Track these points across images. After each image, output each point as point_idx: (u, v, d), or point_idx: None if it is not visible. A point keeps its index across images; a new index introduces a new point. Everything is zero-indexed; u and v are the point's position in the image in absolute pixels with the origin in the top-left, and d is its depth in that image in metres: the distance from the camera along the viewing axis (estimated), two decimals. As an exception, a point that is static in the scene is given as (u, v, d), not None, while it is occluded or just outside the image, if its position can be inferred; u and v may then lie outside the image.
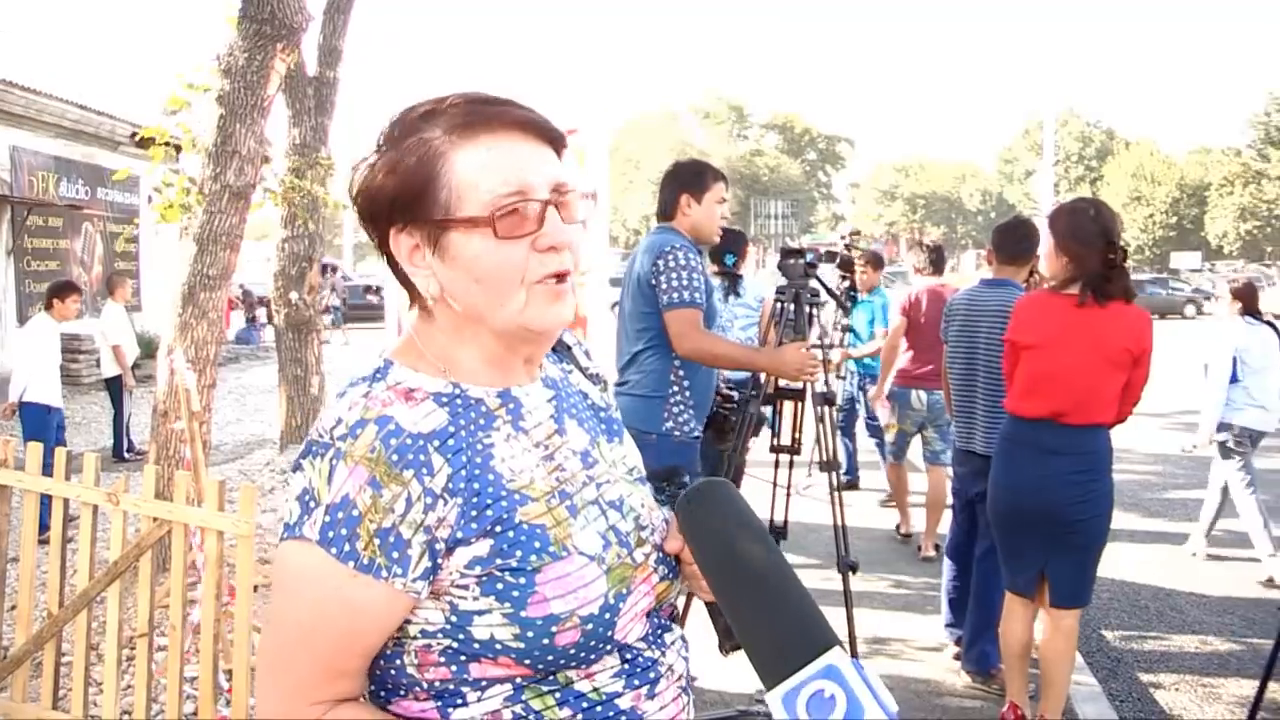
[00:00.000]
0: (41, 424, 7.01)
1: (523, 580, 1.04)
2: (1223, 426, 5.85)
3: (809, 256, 3.79)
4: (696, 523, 1.00)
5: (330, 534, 1.02)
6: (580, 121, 5.97)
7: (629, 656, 1.12)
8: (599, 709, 1.09)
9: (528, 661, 1.05)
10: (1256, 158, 57.26)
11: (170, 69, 5.43)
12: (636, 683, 1.12)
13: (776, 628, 0.88)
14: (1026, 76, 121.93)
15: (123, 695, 3.55)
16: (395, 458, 1.02)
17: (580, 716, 1.08)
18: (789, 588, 0.90)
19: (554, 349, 1.31)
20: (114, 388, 9.34)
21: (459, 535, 1.04)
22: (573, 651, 1.06)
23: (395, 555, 1.02)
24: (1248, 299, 5.96)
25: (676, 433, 3.64)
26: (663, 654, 1.16)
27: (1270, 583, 5.68)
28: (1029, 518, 3.44)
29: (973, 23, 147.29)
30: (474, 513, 1.05)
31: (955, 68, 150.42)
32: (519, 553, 1.05)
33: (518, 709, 1.07)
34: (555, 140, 1.14)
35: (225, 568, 3.17)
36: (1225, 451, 5.88)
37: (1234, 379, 5.80)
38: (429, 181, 1.08)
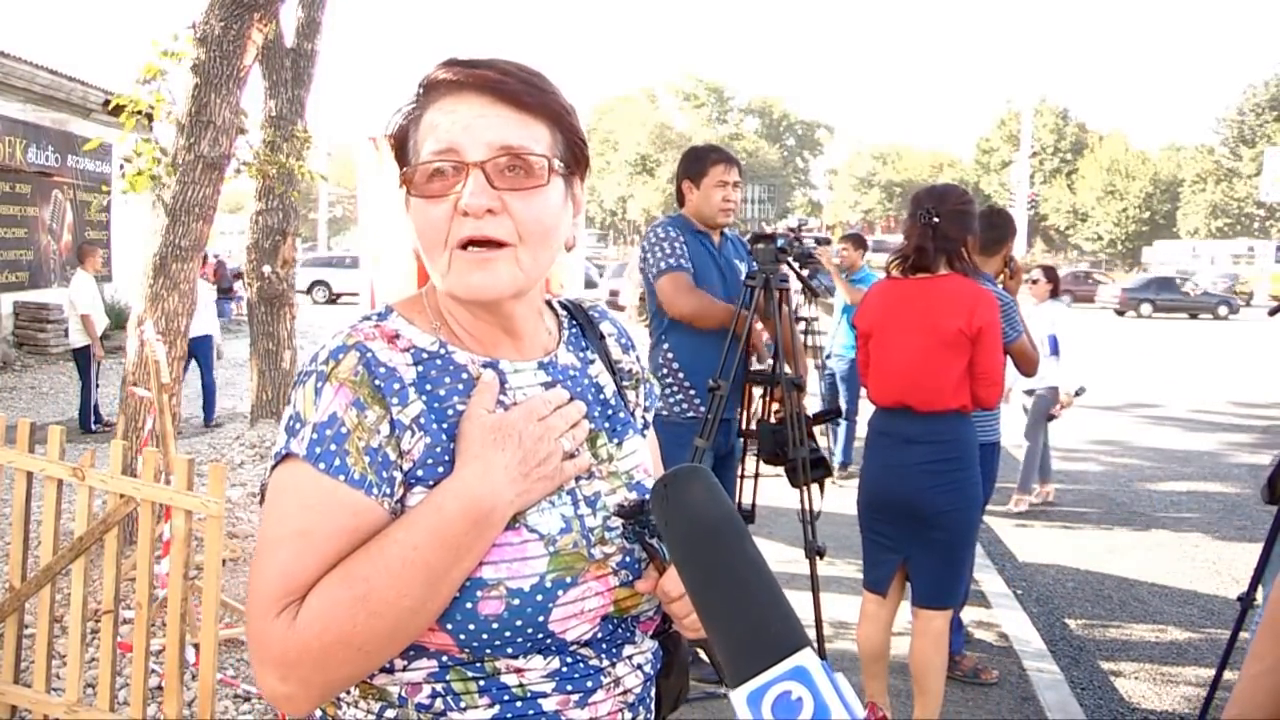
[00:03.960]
0: (208, 349, 9.63)
1: None
2: (1037, 390, 6.88)
3: (780, 242, 3.79)
4: (669, 509, 0.98)
5: (318, 449, 1.02)
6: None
7: (569, 661, 1.09)
8: (519, 705, 1.06)
9: (450, 626, 1.03)
10: (1229, 155, 57.79)
11: (145, 35, 5.33)
12: (569, 688, 1.09)
13: (745, 625, 0.85)
14: (1005, 68, 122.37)
15: (86, 669, 3.52)
16: (378, 383, 1.05)
17: (499, 708, 1.06)
18: (761, 583, 0.87)
19: (585, 335, 1.29)
20: (82, 358, 9.22)
21: (419, 474, 1.06)
22: (496, 627, 1.03)
23: (384, 474, 1.03)
24: (1057, 281, 7.21)
25: (665, 412, 3.81)
26: (612, 665, 1.13)
27: (1019, 514, 7.00)
28: (892, 507, 3.32)
29: (953, 12, 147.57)
30: (429, 460, 1.07)
31: (935, 57, 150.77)
32: None
33: (438, 686, 1.06)
34: (528, 106, 1.10)
35: (193, 543, 3.14)
36: (1041, 408, 6.95)
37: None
38: (405, 137, 1.14)
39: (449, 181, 1.07)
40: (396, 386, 1.06)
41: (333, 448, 1.02)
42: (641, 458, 1.25)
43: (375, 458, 1.03)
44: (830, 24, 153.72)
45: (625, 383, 1.31)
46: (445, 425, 1.08)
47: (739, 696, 0.81)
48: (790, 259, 3.81)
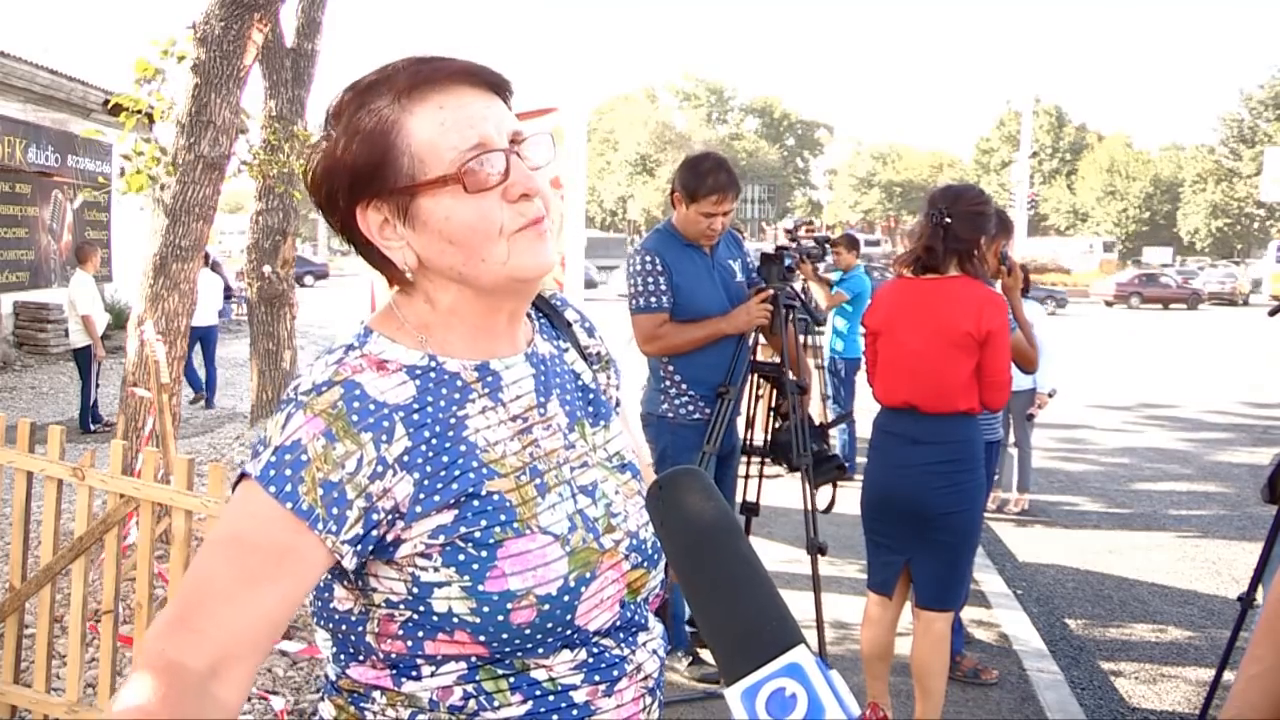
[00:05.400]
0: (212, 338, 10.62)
1: (484, 554, 1.04)
2: (1029, 392, 6.74)
3: (788, 260, 3.82)
4: (665, 511, 0.99)
5: (272, 473, 0.99)
6: (558, 100, 5.91)
7: (595, 652, 1.11)
8: (551, 699, 1.08)
9: (483, 638, 1.04)
10: (1229, 156, 57.82)
11: (146, 35, 5.33)
12: (597, 678, 1.11)
13: (740, 623, 0.85)
14: (1005, 68, 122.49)
15: (86, 669, 3.52)
16: (355, 418, 1.02)
17: (531, 704, 1.07)
18: (756, 582, 0.88)
19: (553, 325, 1.29)
20: (82, 358, 9.22)
21: (418, 510, 1.03)
22: (528, 632, 1.05)
23: (334, 511, 0.99)
24: (1029, 281, 6.98)
25: (671, 415, 3.81)
26: (632, 652, 1.15)
27: (1001, 508, 7.00)
28: (896, 508, 3.30)
29: (954, 12, 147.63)
30: (439, 485, 1.04)
31: (934, 57, 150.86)
32: (483, 523, 1.05)
33: (469, 688, 1.06)
34: (501, 87, 1.12)
35: (194, 544, 3.14)
36: (1019, 409, 6.79)
37: None
38: (387, 151, 1.07)
39: (488, 172, 1.07)
40: (386, 425, 1.03)
41: (288, 473, 0.99)
42: (627, 439, 1.27)
43: (330, 492, 0.99)
44: (830, 24, 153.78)
45: (595, 366, 1.32)
46: (450, 436, 1.07)
47: (733, 694, 0.81)
48: (798, 274, 3.85)
